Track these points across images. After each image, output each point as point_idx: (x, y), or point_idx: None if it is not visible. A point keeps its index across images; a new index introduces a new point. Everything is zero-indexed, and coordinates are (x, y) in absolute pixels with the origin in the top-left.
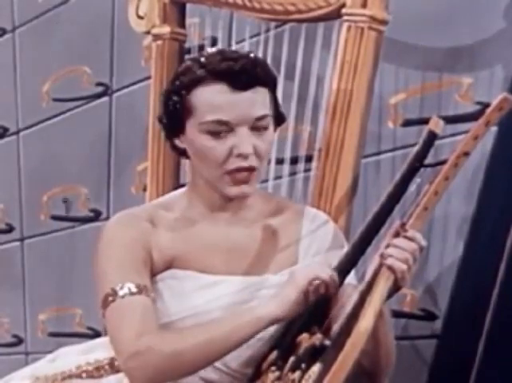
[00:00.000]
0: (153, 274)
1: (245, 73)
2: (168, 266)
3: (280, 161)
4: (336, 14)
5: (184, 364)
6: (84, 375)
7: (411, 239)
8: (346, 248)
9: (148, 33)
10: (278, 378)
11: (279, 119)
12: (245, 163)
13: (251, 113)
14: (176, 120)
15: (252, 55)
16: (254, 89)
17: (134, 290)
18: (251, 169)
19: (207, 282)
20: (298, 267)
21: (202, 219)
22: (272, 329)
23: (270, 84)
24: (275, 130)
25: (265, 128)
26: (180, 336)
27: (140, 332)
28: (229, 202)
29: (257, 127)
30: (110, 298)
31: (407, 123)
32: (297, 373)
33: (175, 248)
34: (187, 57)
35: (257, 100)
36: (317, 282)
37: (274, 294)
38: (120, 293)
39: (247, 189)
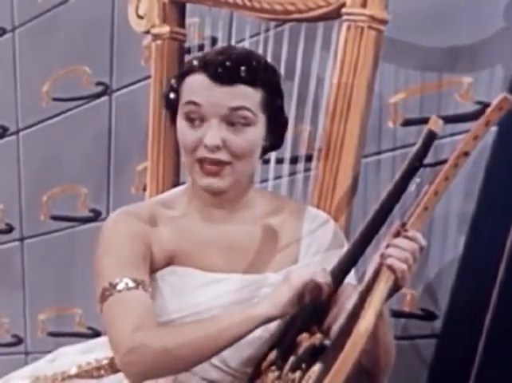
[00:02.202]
0: (153, 269)
1: (224, 69)
2: (169, 262)
3: (280, 161)
4: (335, 14)
5: (177, 360)
6: (84, 375)
7: (411, 239)
8: (346, 247)
9: (148, 32)
10: (278, 378)
11: (278, 123)
12: (211, 155)
13: (225, 103)
14: (171, 107)
15: (246, 53)
16: (234, 86)
17: (131, 284)
18: (219, 163)
19: (208, 279)
20: (294, 268)
21: (201, 217)
22: (272, 328)
23: (262, 85)
24: (282, 135)
25: (244, 125)
26: (174, 332)
27: (136, 327)
28: (218, 198)
29: (233, 121)
30: (107, 293)
31: (407, 122)
32: (298, 373)
33: (175, 244)
34: (186, 56)
35: (235, 95)
36: (311, 285)
37: (268, 293)
38: (118, 287)
39: (218, 183)
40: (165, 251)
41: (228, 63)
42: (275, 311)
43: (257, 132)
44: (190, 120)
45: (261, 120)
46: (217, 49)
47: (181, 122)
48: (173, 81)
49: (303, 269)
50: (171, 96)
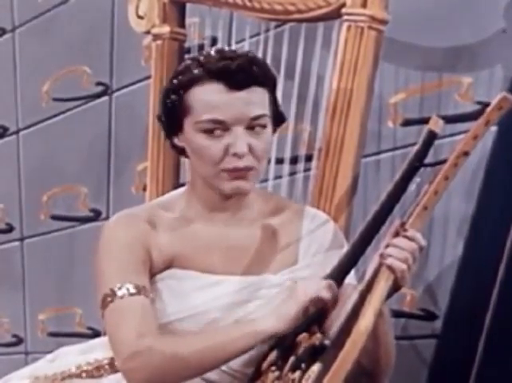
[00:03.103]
0: (153, 273)
1: (241, 73)
2: (168, 265)
3: (280, 161)
4: (336, 14)
5: (182, 368)
6: (84, 375)
7: (410, 239)
8: (346, 248)
9: (148, 32)
10: (278, 378)
11: (279, 119)
12: (240, 163)
13: (247, 113)
14: (174, 119)
15: (250, 54)
16: (250, 89)
17: (133, 290)
18: (247, 169)
19: (207, 281)
20: (300, 282)
21: (201, 219)
22: None
23: (269, 83)
24: (275, 130)
25: (263, 128)
26: (180, 340)
27: (139, 333)
28: (227, 201)
29: (253, 126)
30: (109, 299)
31: (407, 122)
32: (297, 373)
33: (174, 248)
34: (186, 56)
35: (253, 100)
36: (317, 300)
37: (275, 307)
38: (119, 293)
39: (244, 185)
40: (164, 255)
41: (244, 67)
42: (282, 326)
43: (270, 132)
44: (208, 131)
45: (270, 118)
46: (216, 53)
47: (197, 135)
48: (173, 96)
49: (309, 283)
50: (175, 112)
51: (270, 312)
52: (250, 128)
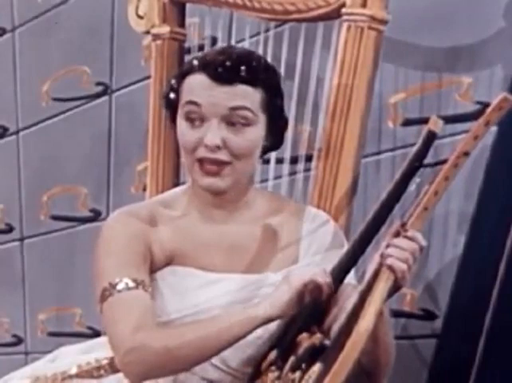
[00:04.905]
0: (153, 270)
1: (223, 68)
2: (169, 262)
3: (280, 161)
4: (335, 14)
5: (178, 360)
6: (84, 375)
7: (411, 239)
8: (346, 247)
9: (148, 32)
10: (278, 378)
11: (278, 122)
12: (211, 155)
13: (225, 103)
14: (170, 106)
15: (246, 53)
16: (234, 85)
17: (131, 284)
18: (219, 162)
19: (208, 279)
20: (295, 268)
21: (201, 217)
22: (272, 328)
23: (263, 85)
24: (280, 135)
25: (245, 125)
26: (175, 332)
27: (137, 327)
28: (217, 198)
29: (233, 121)
30: (107, 293)
31: (407, 122)
32: (297, 373)
33: (175, 244)
34: (186, 56)
35: (236, 94)
36: (311, 285)
37: (269, 293)
38: (118, 287)
39: (218, 183)
40: (165, 251)
41: (228, 63)
42: (275, 312)
43: (257, 132)
44: (190, 120)
45: (262, 120)
46: (217, 49)
47: (181, 122)
48: (173, 81)
49: (303, 269)
50: (171, 95)
51: (264, 298)
52: (231, 123)
